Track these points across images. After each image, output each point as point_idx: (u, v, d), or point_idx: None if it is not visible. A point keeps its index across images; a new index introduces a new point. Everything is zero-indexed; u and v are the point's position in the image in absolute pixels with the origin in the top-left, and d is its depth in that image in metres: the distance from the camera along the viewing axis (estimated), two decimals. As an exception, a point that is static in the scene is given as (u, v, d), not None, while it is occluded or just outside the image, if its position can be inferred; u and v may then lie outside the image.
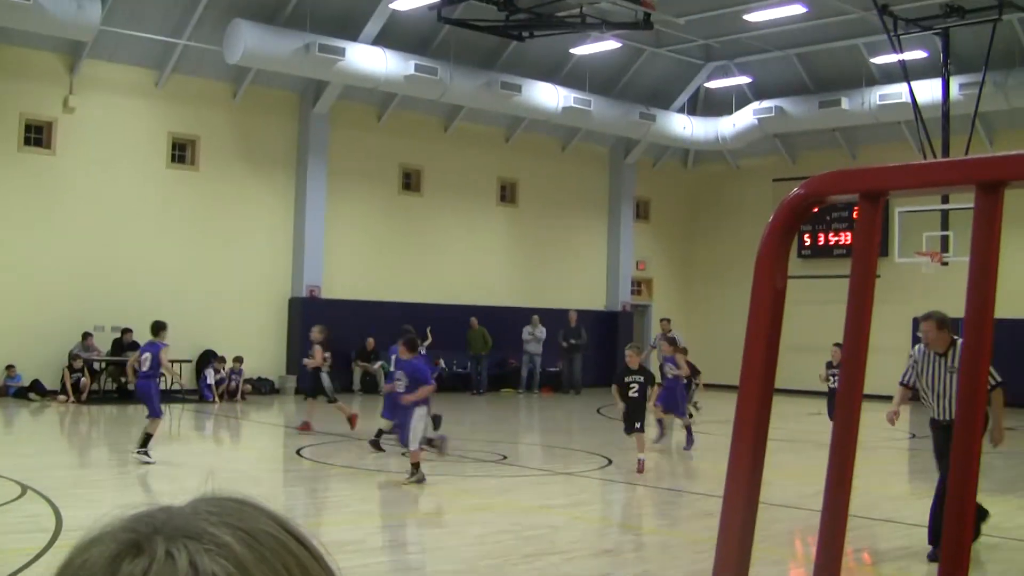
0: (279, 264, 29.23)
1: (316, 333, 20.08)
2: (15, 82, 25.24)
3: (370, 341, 29.51)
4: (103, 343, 26.14)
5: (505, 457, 17.57)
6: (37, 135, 25.81)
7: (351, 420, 19.32)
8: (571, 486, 15.11)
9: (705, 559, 8.91)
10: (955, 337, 10.41)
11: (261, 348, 28.39)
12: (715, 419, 24.59)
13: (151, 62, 27.10)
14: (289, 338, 29.13)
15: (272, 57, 26.34)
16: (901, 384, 10.95)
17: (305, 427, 19.63)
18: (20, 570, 8.87)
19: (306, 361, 20.25)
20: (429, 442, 16.64)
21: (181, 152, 27.97)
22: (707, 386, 26.55)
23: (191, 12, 26.10)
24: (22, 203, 25.27)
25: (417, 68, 28.14)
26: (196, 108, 27.83)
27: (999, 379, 9.85)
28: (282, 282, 29.31)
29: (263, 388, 28.24)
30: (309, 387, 20.60)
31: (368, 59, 27.47)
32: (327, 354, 19.82)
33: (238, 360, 27.07)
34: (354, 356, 29.73)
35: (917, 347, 10.84)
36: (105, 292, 26.06)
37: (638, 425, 16.03)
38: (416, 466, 14.31)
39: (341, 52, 26.75)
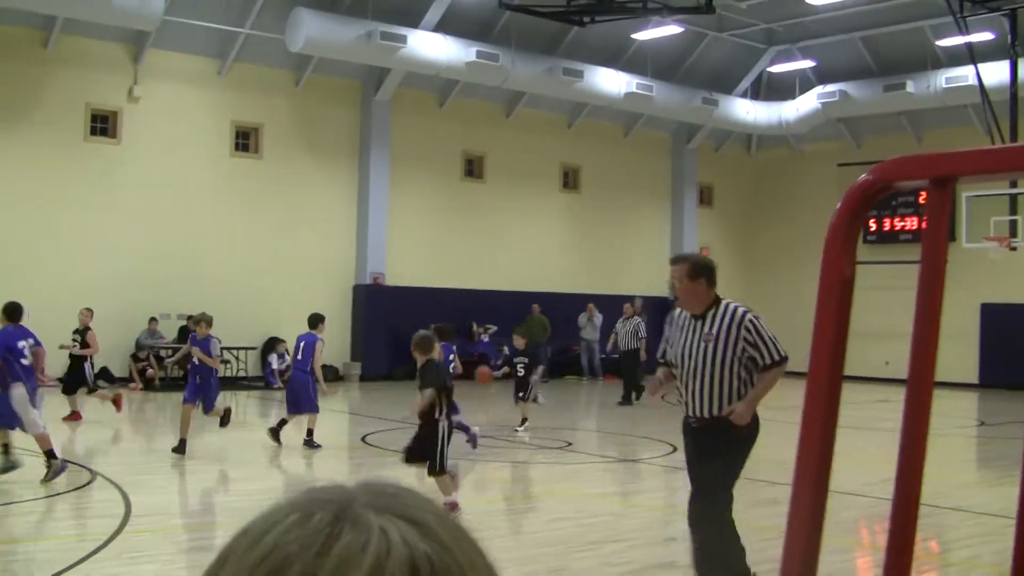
0: (343, 251, 29.38)
1: (86, 317, 19.34)
2: (81, 72, 25.55)
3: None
4: (169, 331, 26.40)
5: (570, 444, 17.57)
6: (103, 125, 26.11)
7: (116, 402, 19.14)
8: (635, 473, 15.08)
9: (771, 547, 8.85)
10: (721, 297, 7.58)
11: (326, 335, 28.42)
12: (781, 405, 24.45)
13: (214, 51, 27.32)
14: (353, 325, 29.29)
15: (334, 45, 26.46)
16: (659, 360, 8.38)
17: (75, 416, 18.84)
18: (91, 554, 9.02)
19: (76, 351, 19.15)
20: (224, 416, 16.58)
21: (244, 140, 28.18)
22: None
23: (253, 1, 26.29)
24: (88, 192, 25.59)
25: (479, 54, 28.15)
26: (259, 96, 28.03)
27: (782, 355, 7.40)
28: (346, 269, 29.46)
29: (327, 375, 28.25)
30: (76, 378, 19.33)
31: (429, 46, 27.51)
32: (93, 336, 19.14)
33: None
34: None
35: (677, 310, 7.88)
36: (170, 280, 26.33)
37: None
38: (48, 454, 12.58)
39: (403, 39, 26.80)
